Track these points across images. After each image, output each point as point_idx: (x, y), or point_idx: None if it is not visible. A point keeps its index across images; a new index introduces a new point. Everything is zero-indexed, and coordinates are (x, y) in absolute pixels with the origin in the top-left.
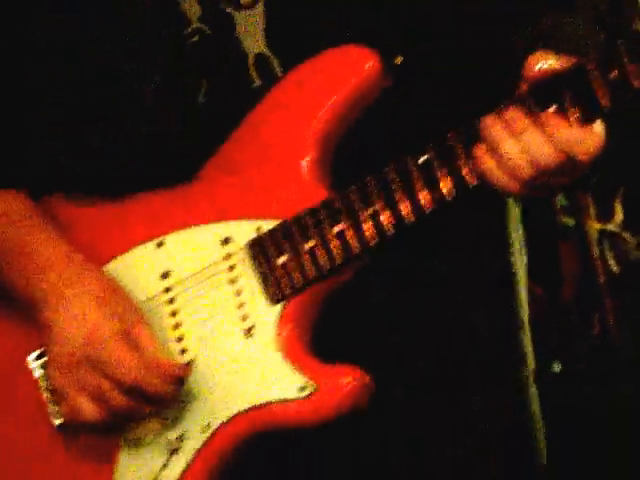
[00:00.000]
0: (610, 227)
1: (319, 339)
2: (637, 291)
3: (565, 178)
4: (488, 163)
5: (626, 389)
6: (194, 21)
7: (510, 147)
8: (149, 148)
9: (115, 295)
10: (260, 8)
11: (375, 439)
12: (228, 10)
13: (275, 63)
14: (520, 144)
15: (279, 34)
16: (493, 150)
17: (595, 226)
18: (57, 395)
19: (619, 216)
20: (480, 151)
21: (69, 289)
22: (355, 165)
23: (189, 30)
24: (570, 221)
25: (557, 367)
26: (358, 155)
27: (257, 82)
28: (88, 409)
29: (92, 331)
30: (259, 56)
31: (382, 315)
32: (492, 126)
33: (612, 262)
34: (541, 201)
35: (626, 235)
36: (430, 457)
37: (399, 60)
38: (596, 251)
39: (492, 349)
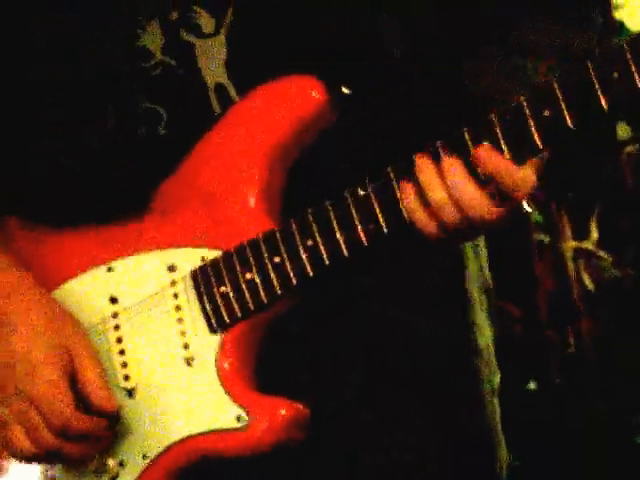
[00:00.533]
0: (585, 245)
1: (260, 367)
2: (612, 309)
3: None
4: (414, 203)
5: (600, 404)
6: (157, 53)
7: (439, 193)
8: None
9: (63, 321)
10: (222, 37)
11: (312, 455)
12: (190, 39)
13: (233, 92)
14: (447, 188)
15: (240, 64)
16: (422, 193)
17: (571, 244)
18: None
19: (594, 234)
20: (409, 189)
21: (14, 316)
22: (311, 192)
23: (152, 63)
24: (545, 238)
25: (532, 384)
26: (313, 181)
27: (218, 111)
28: (19, 442)
29: (33, 365)
30: (219, 86)
31: (313, 334)
32: (424, 170)
33: (587, 280)
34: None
35: (601, 253)
36: (367, 472)
37: (346, 90)
38: (571, 269)
39: (436, 366)
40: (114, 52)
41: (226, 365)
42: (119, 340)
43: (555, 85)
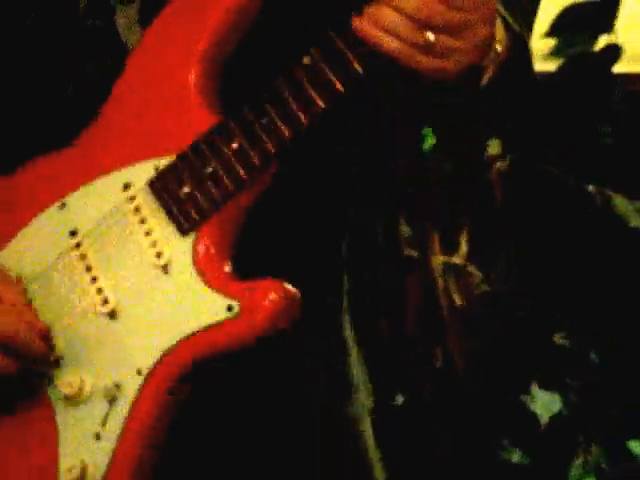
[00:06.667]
0: (455, 260)
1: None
2: (480, 324)
3: (462, 41)
4: (373, 35)
5: (472, 422)
6: (81, 12)
7: (388, 12)
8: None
9: None
10: (137, 3)
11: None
12: (112, 3)
13: None
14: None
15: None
16: (375, 24)
17: (440, 259)
18: None
19: (464, 249)
20: (362, 26)
21: None
22: (243, 89)
23: (77, 19)
24: (414, 253)
25: (399, 399)
26: (245, 79)
27: None
28: None
29: None
30: None
31: None
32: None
33: (456, 295)
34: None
35: (471, 268)
36: None
37: None
38: (440, 284)
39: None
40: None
41: (205, 263)
42: (88, 268)
43: None
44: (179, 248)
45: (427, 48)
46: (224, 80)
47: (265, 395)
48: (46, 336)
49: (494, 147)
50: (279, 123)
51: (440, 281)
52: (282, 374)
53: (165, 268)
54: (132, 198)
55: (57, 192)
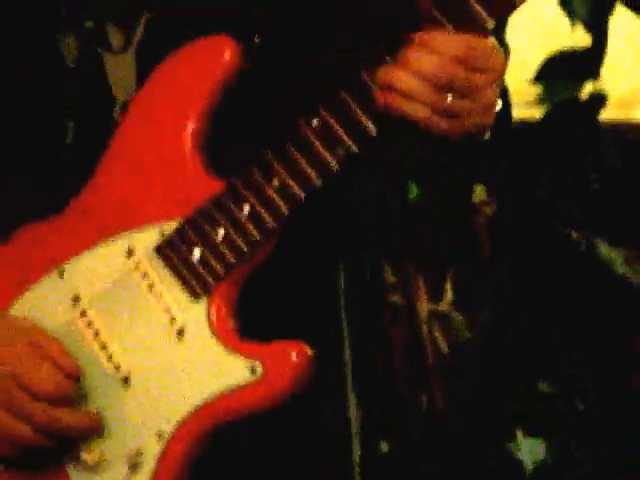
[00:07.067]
0: (440, 307)
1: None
2: (465, 371)
3: (475, 103)
4: (387, 99)
5: (457, 468)
6: (70, 61)
7: (407, 77)
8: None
9: (20, 323)
10: (131, 54)
11: None
12: (101, 52)
13: None
14: (411, 68)
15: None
16: (388, 87)
17: (426, 306)
18: None
19: (449, 296)
20: (380, 90)
21: None
22: (231, 153)
23: (65, 69)
24: (399, 299)
25: (385, 447)
26: (231, 142)
27: None
28: (10, 427)
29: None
30: (128, 103)
31: None
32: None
33: (441, 342)
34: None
35: (455, 315)
36: None
37: (257, 39)
38: (425, 331)
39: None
40: (33, 53)
41: (220, 324)
42: (96, 334)
43: None
44: (193, 312)
45: (444, 110)
46: (220, 141)
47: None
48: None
49: (479, 193)
50: (291, 184)
51: (425, 328)
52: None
53: (180, 333)
54: (138, 263)
55: (54, 258)
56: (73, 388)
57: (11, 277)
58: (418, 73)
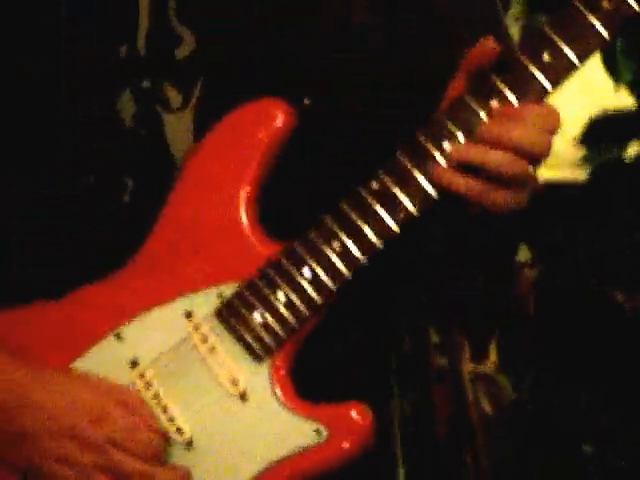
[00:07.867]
0: (484, 368)
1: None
2: (509, 432)
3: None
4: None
5: None
6: (128, 120)
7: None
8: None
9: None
10: (189, 113)
11: None
12: (159, 111)
13: None
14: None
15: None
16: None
17: (469, 367)
18: None
19: (493, 357)
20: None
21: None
22: (286, 216)
23: (123, 130)
24: (443, 361)
25: None
26: (286, 204)
27: None
28: None
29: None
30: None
31: None
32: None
33: (485, 403)
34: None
35: (500, 377)
36: None
37: (307, 101)
38: (470, 392)
39: None
40: (92, 114)
41: (283, 387)
42: (155, 397)
43: None
44: (256, 375)
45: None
46: (274, 203)
47: None
48: None
49: (523, 253)
50: (351, 246)
51: (469, 389)
52: None
53: (243, 396)
54: (197, 326)
55: (111, 321)
56: (163, 446)
57: (65, 340)
58: (507, 145)
